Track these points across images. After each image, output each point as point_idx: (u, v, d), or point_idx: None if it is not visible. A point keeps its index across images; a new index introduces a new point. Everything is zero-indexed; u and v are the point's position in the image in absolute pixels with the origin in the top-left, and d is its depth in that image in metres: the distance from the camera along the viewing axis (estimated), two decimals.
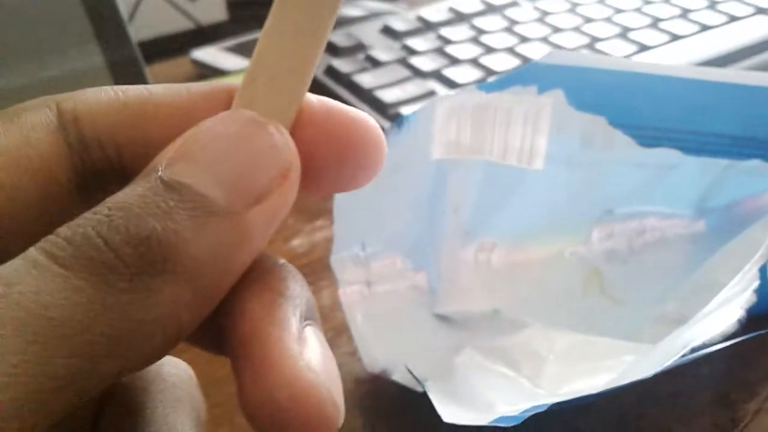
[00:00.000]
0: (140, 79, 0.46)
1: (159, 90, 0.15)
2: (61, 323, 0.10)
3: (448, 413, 0.19)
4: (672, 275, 0.27)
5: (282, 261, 0.15)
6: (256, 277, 0.14)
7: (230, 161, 0.13)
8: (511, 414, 0.18)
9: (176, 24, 0.67)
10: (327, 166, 0.15)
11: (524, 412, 0.18)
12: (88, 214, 0.12)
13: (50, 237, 0.11)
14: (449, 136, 0.27)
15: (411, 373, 0.22)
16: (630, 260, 0.29)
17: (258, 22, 0.66)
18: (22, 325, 0.10)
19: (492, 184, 0.27)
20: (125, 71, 0.45)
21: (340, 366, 0.27)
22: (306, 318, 0.14)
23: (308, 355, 0.13)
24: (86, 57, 0.44)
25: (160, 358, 0.12)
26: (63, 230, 0.11)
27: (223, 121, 0.13)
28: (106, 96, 0.15)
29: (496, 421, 0.18)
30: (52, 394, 0.10)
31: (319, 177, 0.15)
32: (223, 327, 0.14)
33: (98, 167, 0.14)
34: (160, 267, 0.11)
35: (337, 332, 0.28)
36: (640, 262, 0.29)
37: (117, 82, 0.45)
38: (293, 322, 0.13)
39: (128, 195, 0.12)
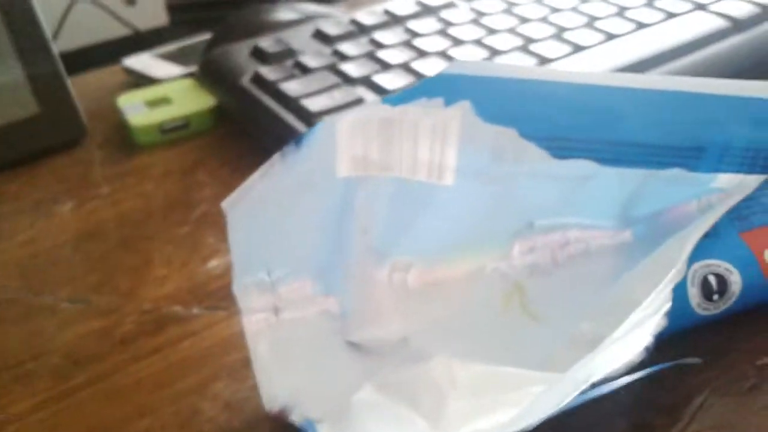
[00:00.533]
0: (62, 93, 0.44)
1: None
2: None
3: None
4: (592, 289, 0.26)
5: None
6: None
7: None
8: None
9: (113, 31, 0.65)
10: None
11: None
12: None
13: None
14: (355, 152, 0.25)
15: (307, 414, 0.21)
16: (554, 273, 0.28)
17: (199, 25, 0.63)
18: None
19: (403, 201, 0.26)
20: (46, 85, 0.43)
21: (242, 401, 0.26)
22: None
23: None
24: (6, 71, 0.42)
25: None
26: None
27: None
28: None
29: None
30: None
31: None
32: None
33: None
34: None
35: (244, 363, 0.27)
36: (565, 275, 0.27)
37: (38, 96, 0.43)
38: None
39: None
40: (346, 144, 0.25)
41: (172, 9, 0.69)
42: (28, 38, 0.44)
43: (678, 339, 0.23)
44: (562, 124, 0.25)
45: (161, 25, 0.68)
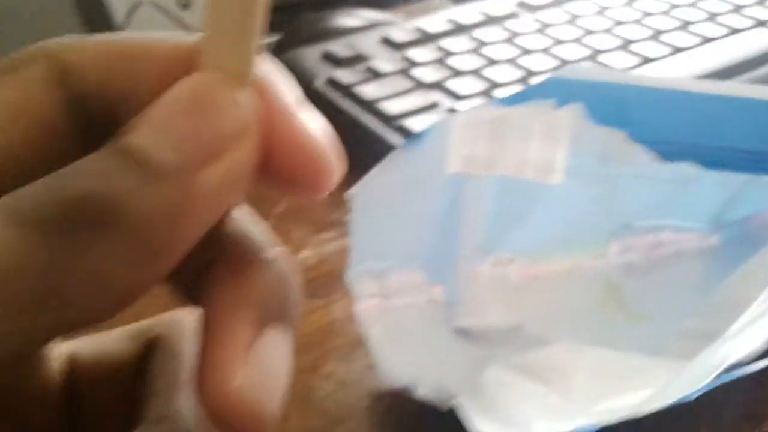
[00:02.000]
0: None
1: (151, 42, 0.15)
2: None
3: (486, 430, 0.18)
4: (689, 289, 0.27)
5: (268, 250, 0.15)
6: (233, 264, 0.14)
7: (181, 122, 0.13)
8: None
9: (169, 31, 0.67)
10: (277, 172, 0.14)
11: (578, 429, 0.17)
12: (44, 177, 0.12)
13: (5, 196, 0.12)
14: (465, 150, 0.26)
15: (439, 389, 0.22)
16: (647, 274, 0.29)
17: None
18: None
19: (508, 199, 0.27)
20: None
21: (356, 381, 0.27)
22: (273, 321, 0.14)
23: (250, 368, 0.13)
24: None
25: (113, 313, 0.12)
26: (19, 190, 0.12)
27: (180, 85, 0.13)
28: (100, 47, 0.15)
29: None
30: None
31: (271, 175, 0.14)
32: (198, 297, 0.14)
33: (96, 119, 0.15)
34: (101, 222, 0.12)
35: (352, 346, 0.28)
36: (657, 275, 0.29)
37: None
38: (245, 330, 0.14)
39: (82, 160, 0.12)
40: (457, 142, 0.26)
41: None
42: (101, 29, 0.45)
43: None
44: (668, 128, 0.26)
45: None
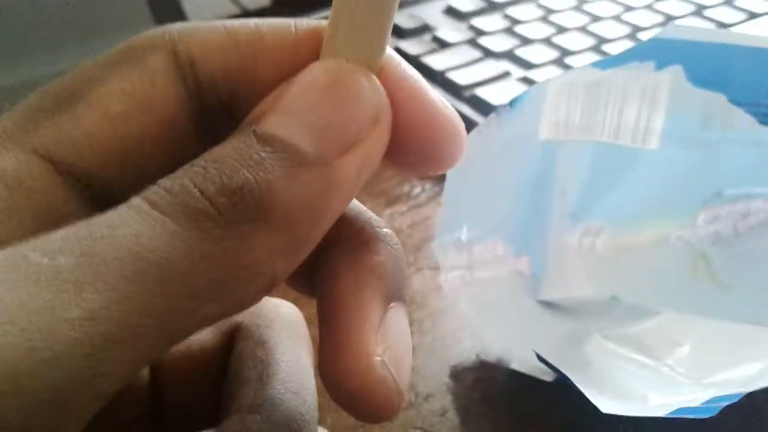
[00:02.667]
0: None
1: (267, 29, 0.15)
2: (160, 265, 0.11)
3: (603, 404, 0.18)
4: None
5: (381, 229, 0.15)
6: (353, 244, 0.15)
7: (319, 111, 0.13)
8: (694, 405, 0.17)
9: (224, 8, 0.67)
10: (405, 150, 0.15)
11: (711, 401, 0.17)
12: (187, 167, 0.12)
13: (152, 186, 0.12)
14: (559, 115, 0.25)
15: (534, 363, 0.21)
16: (735, 244, 0.28)
17: (299, 6, 0.64)
18: (123, 265, 0.10)
19: (602, 165, 0.26)
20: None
21: (438, 350, 0.26)
22: (394, 298, 0.14)
23: (384, 345, 0.14)
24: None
25: (255, 302, 0.13)
26: (164, 181, 0.12)
27: (312, 72, 0.13)
28: (218, 36, 0.15)
29: (677, 412, 0.17)
30: (150, 330, 0.11)
31: (396, 156, 0.15)
32: (316, 282, 0.15)
33: (212, 109, 0.15)
34: (253, 215, 0.12)
35: (434, 319, 0.27)
36: (745, 245, 0.27)
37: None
38: (377, 307, 0.14)
39: (224, 148, 0.12)
40: (551, 107, 0.25)
41: None
42: (166, 5, 0.45)
43: None
44: None
45: (265, 5, 0.69)
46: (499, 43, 0.41)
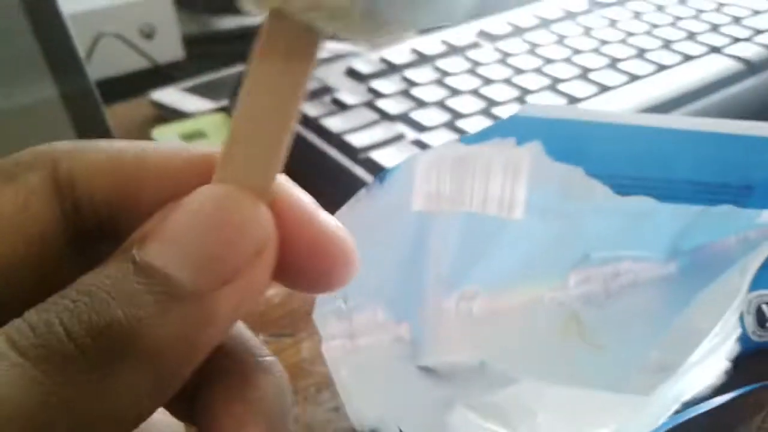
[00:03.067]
0: (97, 114, 0.45)
1: (154, 153, 0.15)
2: (12, 417, 0.10)
3: None
4: (648, 319, 0.28)
5: (263, 358, 0.15)
6: (232, 379, 0.14)
7: (201, 241, 0.12)
8: None
9: (133, 63, 0.67)
10: (294, 274, 0.14)
11: None
12: (56, 298, 0.12)
13: (16, 321, 0.11)
14: (430, 188, 0.27)
15: None
16: (606, 304, 0.29)
17: (214, 59, 0.65)
18: None
19: (472, 234, 0.27)
20: (80, 105, 0.44)
21: (323, 423, 0.27)
22: (277, 426, 0.14)
23: None
24: (40, 90, 0.43)
25: None
26: (30, 315, 0.11)
27: (198, 197, 0.13)
28: (102, 157, 0.14)
29: None
30: None
31: (285, 278, 0.14)
32: (196, 414, 0.14)
33: (91, 229, 0.14)
34: (120, 355, 0.11)
35: (318, 387, 0.28)
36: (617, 305, 0.29)
37: (72, 117, 0.44)
38: None
39: (98, 275, 0.12)
40: (422, 180, 0.26)
41: (187, 41, 0.71)
42: (62, 56, 0.45)
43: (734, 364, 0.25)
44: (623, 163, 0.26)
45: (178, 58, 0.70)
46: (395, 105, 0.43)
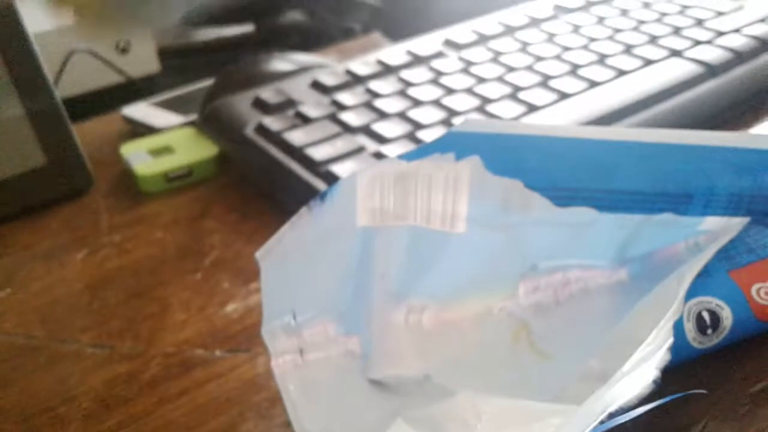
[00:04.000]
0: (69, 143, 0.45)
1: None
2: None
3: None
4: (595, 326, 0.28)
5: None
6: None
7: None
8: None
9: (107, 78, 0.67)
10: None
11: None
12: None
13: None
14: (374, 203, 0.27)
15: None
16: (556, 312, 0.30)
17: (190, 72, 0.65)
18: None
19: (418, 248, 0.28)
20: (53, 136, 0.45)
21: None
22: None
23: None
24: (12, 124, 0.44)
25: None
26: None
27: None
28: None
29: None
30: None
31: None
32: None
33: None
34: None
35: (271, 402, 0.28)
36: (566, 313, 0.29)
37: (45, 148, 0.45)
38: None
39: None
40: (365, 196, 0.27)
41: (162, 54, 0.71)
42: (33, 90, 0.45)
43: (677, 371, 0.25)
44: (563, 175, 0.27)
45: (153, 72, 0.70)
46: (357, 118, 0.43)
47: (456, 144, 0.26)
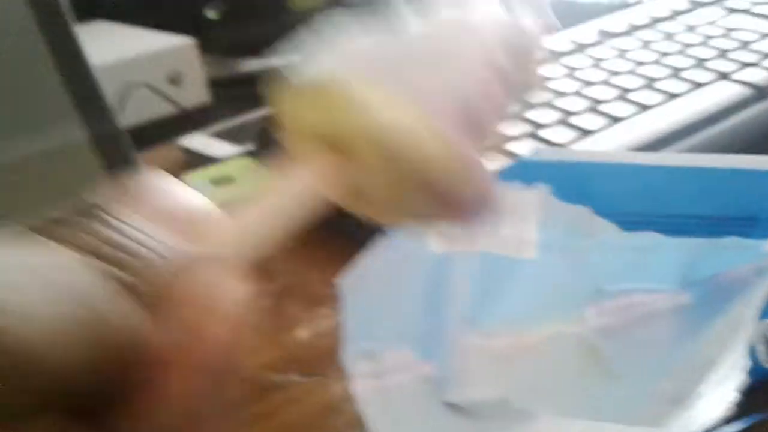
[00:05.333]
0: (127, 154, 0.47)
1: None
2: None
3: None
4: (663, 348, 0.29)
5: None
6: None
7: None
8: None
9: (159, 109, 0.69)
10: None
11: None
12: None
13: None
14: (445, 229, 0.28)
15: None
16: (624, 334, 0.30)
17: (240, 102, 0.67)
18: None
19: (489, 273, 0.29)
20: (110, 147, 0.46)
21: None
22: None
23: None
24: (67, 133, 0.45)
25: None
26: None
27: None
28: None
29: None
30: None
31: None
32: None
33: None
34: None
35: (348, 425, 0.29)
36: (633, 335, 0.30)
37: (103, 158, 0.46)
38: None
39: None
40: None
41: (213, 84, 0.74)
42: (88, 97, 0.46)
43: (751, 392, 0.26)
44: (628, 200, 0.28)
45: (204, 102, 0.72)
46: None
47: (525, 172, 0.27)
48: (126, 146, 0.47)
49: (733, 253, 0.29)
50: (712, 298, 0.29)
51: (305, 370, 0.33)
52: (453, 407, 0.28)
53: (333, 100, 0.17)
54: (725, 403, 0.21)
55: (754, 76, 0.46)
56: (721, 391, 0.22)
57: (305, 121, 0.18)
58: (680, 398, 0.24)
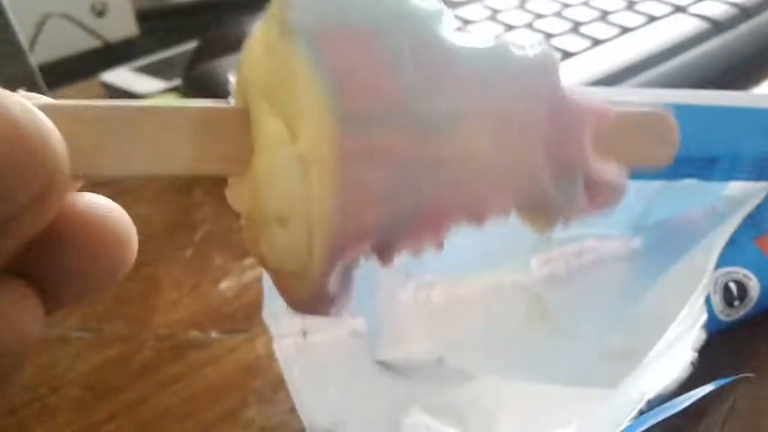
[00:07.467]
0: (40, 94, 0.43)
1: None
2: None
3: None
4: (613, 300, 0.27)
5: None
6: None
7: None
8: None
9: (83, 43, 0.64)
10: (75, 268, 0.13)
11: None
12: None
13: None
14: None
15: None
16: (570, 283, 0.28)
17: (169, 35, 0.62)
18: None
19: None
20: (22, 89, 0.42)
21: (278, 425, 0.26)
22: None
23: None
24: None
25: None
26: None
27: None
28: None
29: None
30: None
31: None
32: None
33: None
34: None
35: (273, 388, 0.27)
36: (581, 284, 0.28)
37: None
38: None
39: None
40: None
41: (141, 16, 0.68)
42: (7, 56, 0.43)
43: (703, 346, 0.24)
44: None
45: (131, 35, 0.67)
46: None
47: None
48: (38, 87, 0.43)
49: (690, 197, 0.27)
50: (666, 243, 0.27)
51: (228, 326, 0.30)
52: (385, 366, 0.25)
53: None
54: (681, 363, 0.19)
55: (712, 9, 0.44)
56: (677, 350, 0.20)
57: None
58: (632, 354, 0.22)
